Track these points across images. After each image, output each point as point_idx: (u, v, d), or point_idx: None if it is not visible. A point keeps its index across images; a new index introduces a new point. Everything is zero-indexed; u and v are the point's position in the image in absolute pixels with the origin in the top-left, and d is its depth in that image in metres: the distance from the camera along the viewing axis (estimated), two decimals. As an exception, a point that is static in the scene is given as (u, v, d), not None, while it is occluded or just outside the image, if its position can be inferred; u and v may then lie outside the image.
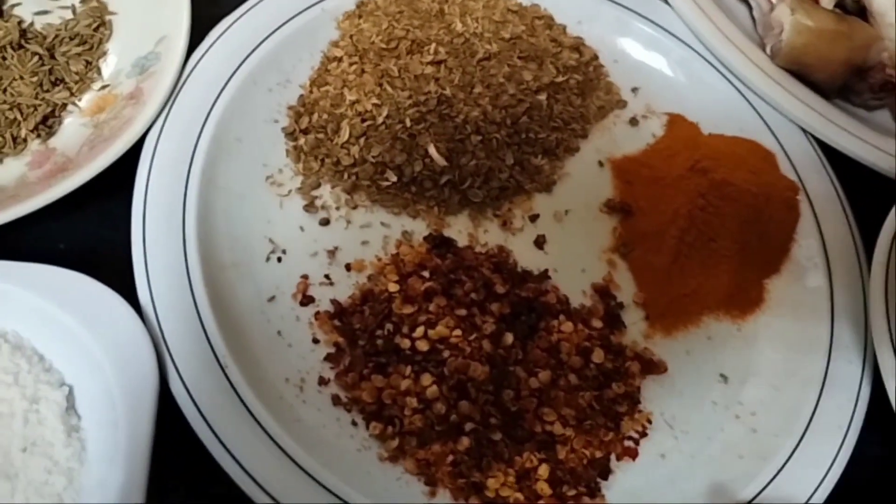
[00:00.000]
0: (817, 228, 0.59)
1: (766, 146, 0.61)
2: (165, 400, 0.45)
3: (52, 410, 0.44)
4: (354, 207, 0.55)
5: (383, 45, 0.57)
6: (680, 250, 0.56)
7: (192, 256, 0.49)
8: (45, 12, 0.58)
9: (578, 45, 0.63)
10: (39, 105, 0.53)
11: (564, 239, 0.57)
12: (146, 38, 0.55)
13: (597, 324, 0.54)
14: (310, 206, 0.55)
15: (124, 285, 0.47)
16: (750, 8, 0.67)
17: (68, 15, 0.58)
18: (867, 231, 0.58)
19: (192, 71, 0.54)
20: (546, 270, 0.55)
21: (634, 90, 0.64)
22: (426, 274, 0.53)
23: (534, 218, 0.58)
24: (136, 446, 0.42)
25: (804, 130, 0.62)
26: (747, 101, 0.63)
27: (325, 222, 0.55)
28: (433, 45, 0.57)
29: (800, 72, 0.63)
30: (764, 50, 0.64)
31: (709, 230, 0.57)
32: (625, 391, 0.52)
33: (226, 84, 0.54)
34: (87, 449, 0.44)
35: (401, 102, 0.55)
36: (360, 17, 0.60)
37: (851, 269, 0.57)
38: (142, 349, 0.45)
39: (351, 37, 0.58)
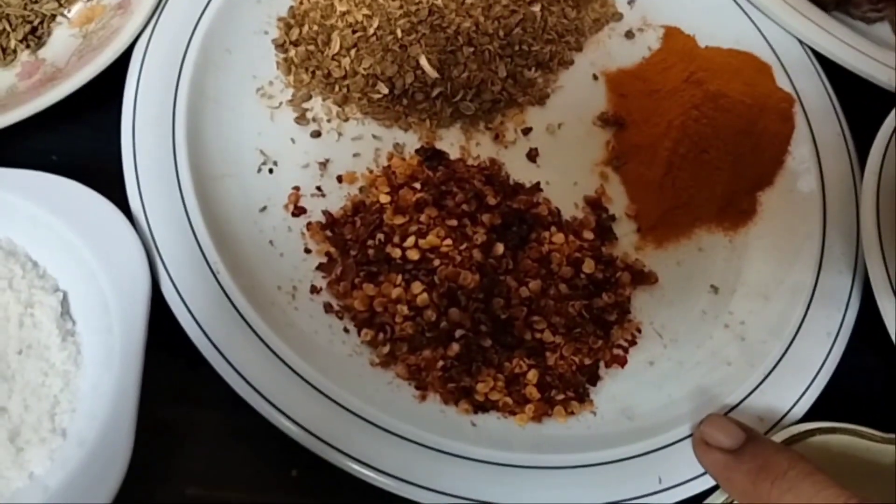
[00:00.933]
0: (812, 140, 0.58)
1: (762, 58, 0.61)
2: (158, 305, 0.45)
3: (46, 315, 0.45)
4: (346, 120, 0.55)
5: (374, -45, 0.56)
6: (672, 162, 0.56)
7: (183, 165, 0.49)
8: (32, -77, 0.57)
9: (574, -44, 0.62)
10: (28, 16, 0.53)
11: (557, 152, 0.57)
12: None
13: (588, 235, 0.54)
14: (301, 119, 0.55)
15: (116, 195, 0.48)
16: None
17: (56, -75, 0.57)
18: (861, 143, 0.57)
19: (180, -20, 0.53)
20: (538, 183, 0.55)
21: (630, 2, 0.63)
22: (417, 186, 0.53)
23: (526, 131, 0.57)
24: (129, 350, 0.43)
25: (801, 43, 0.61)
26: (744, 12, 0.62)
27: (317, 134, 0.55)
28: (424, -45, 0.56)
29: (798, -18, 0.62)
30: (763, -40, 0.63)
31: (702, 141, 0.56)
32: (615, 301, 0.52)
33: (214, -6, 0.54)
34: (82, 353, 0.45)
35: (392, 13, 0.55)
36: (350, -73, 0.59)
37: (845, 179, 0.57)
38: (134, 255, 0.45)
39: (342, -52, 0.58)
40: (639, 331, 0.53)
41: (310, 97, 0.55)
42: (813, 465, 0.40)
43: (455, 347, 0.48)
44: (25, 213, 0.46)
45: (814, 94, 0.60)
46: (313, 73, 0.55)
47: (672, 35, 0.62)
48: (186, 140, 0.50)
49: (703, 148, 0.56)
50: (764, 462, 0.41)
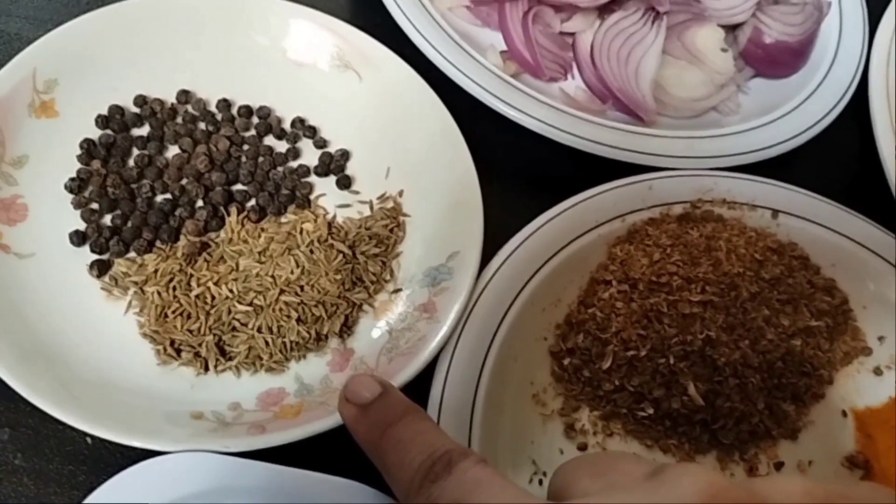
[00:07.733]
0: None
1: None
2: None
3: None
4: (610, 435, 0.58)
5: (654, 279, 0.60)
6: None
7: (473, 482, 0.52)
8: (345, 206, 0.62)
9: (831, 288, 0.64)
10: (342, 304, 0.56)
11: (806, 491, 0.58)
12: (439, 247, 0.58)
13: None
14: (569, 430, 0.57)
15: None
16: None
17: (365, 210, 0.62)
18: None
19: (481, 291, 0.57)
20: (789, 528, 0.56)
21: (881, 339, 0.65)
22: (678, 522, 0.54)
23: (778, 465, 0.59)
24: None
25: None
26: None
27: (583, 447, 0.57)
28: (701, 284, 0.59)
29: None
30: None
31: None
32: None
33: (510, 306, 0.57)
34: None
35: (667, 338, 0.57)
36: (630, 244, 0.62)
37: None
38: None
39: (621, 263, 0.61)
40: None
41: (578, 408, 0.58)
42: (427, 416, 0.43)
43: None
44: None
45: None
46: (584, 383, 0.58)
47: (920, 378, 0.63)
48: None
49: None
50: (387, 414, 0.41)
